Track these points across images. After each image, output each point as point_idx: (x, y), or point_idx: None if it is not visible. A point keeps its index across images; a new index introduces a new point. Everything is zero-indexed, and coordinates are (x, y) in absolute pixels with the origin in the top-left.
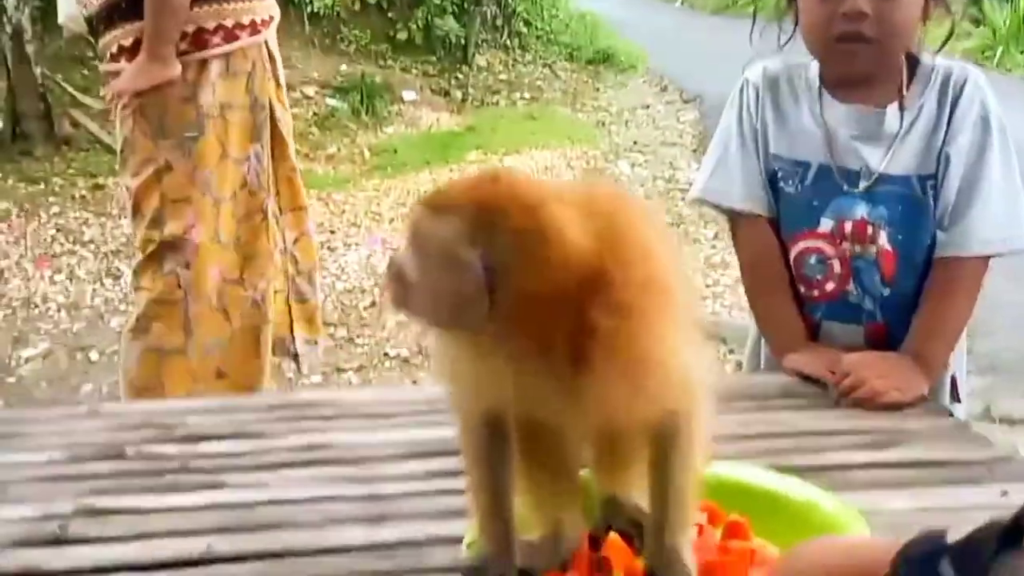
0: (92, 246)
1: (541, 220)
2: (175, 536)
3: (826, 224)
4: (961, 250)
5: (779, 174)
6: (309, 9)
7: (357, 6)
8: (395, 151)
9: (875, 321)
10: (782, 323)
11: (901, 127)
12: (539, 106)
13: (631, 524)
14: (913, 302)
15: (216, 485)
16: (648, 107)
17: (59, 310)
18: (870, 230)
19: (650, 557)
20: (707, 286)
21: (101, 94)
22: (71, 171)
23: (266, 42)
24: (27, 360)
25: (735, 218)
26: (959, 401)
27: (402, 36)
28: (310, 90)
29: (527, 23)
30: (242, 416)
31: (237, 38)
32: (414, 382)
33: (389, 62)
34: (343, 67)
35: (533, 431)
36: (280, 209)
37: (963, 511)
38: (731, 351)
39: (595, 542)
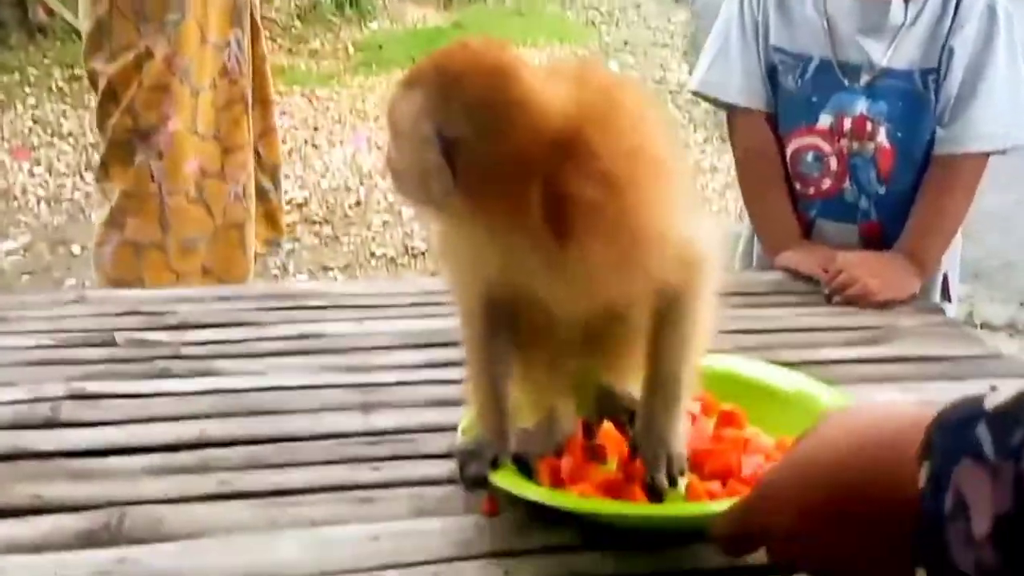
0: (71, 139)
1: (500, 87)
2: (168, 421)
3: (825, 120)
4: (960, 146)
5: (779, 68)
6: None
7: None
8: (380, 47)
9: (869, 220)
10: (776, 220)
11: (906, 19)
12: (528, 3)
13: (625, 413)
14: (908, 201)
15: (208, 372)
16: (639, 6)
17: (39, 203)
18: (869, 126)
19: (637, 439)
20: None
21: None
22: (47, 60)
23: None
24: (7, 253)
25: (732, 112)
26: (949, 300)
27: None
28: None
29: None
30: (233, 305)
31: None
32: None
33: None
34: None
35: (528, 315)
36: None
37: None
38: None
39: (589, 430)
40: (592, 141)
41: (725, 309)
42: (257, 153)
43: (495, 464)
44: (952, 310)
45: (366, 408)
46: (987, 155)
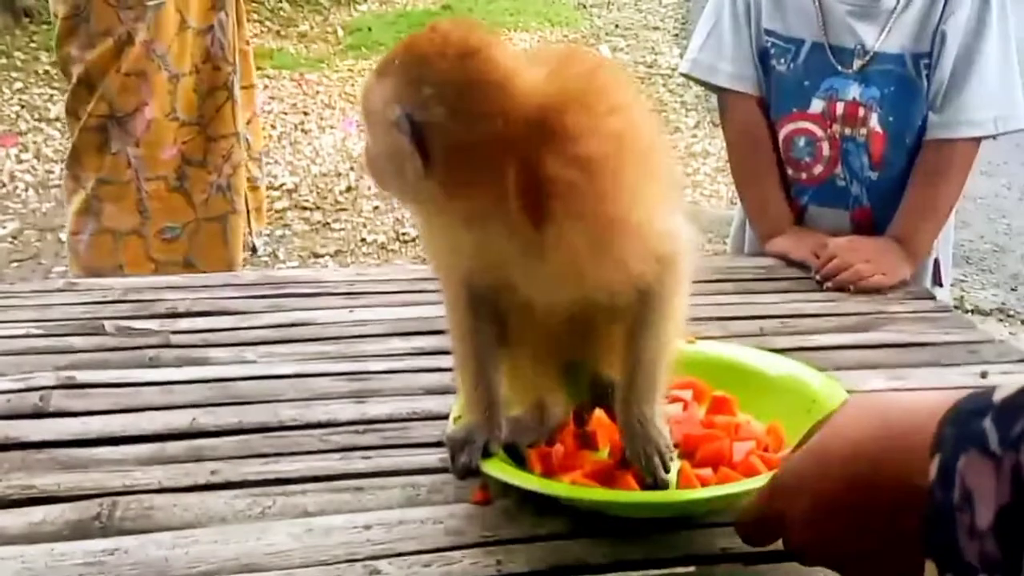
0: (59, 124)
1: (470, 68)
2: (159, 410)
3: (817, 105)
4: (952, 131)
5: (771, 51)
6: None
7: None
8: (369, 29)
9: (861, 206)
10: (768, 206)
11: (898, 3)
12: None
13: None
14: (900, 187)
15: (199, 361)
16: None
17: (27, 189)
18: (861, 112)
19: (623, 426)
20: (687, 175)
21: None
22: (33, 44)
23: None
24: None
25: (723, 95)
26: (941, 285)
27: None
28: None
29: None
30: (221, 293)
31: None
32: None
33: None
34: None
35: (509, 304)
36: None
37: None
38: (710, 240)
39: (580, 418)
40: (569, 124)
41: (717, 296)
42: (245, 141)
43: (486, 452)
44: (944, 295)
45: (357, 396)
46: (978, 140)
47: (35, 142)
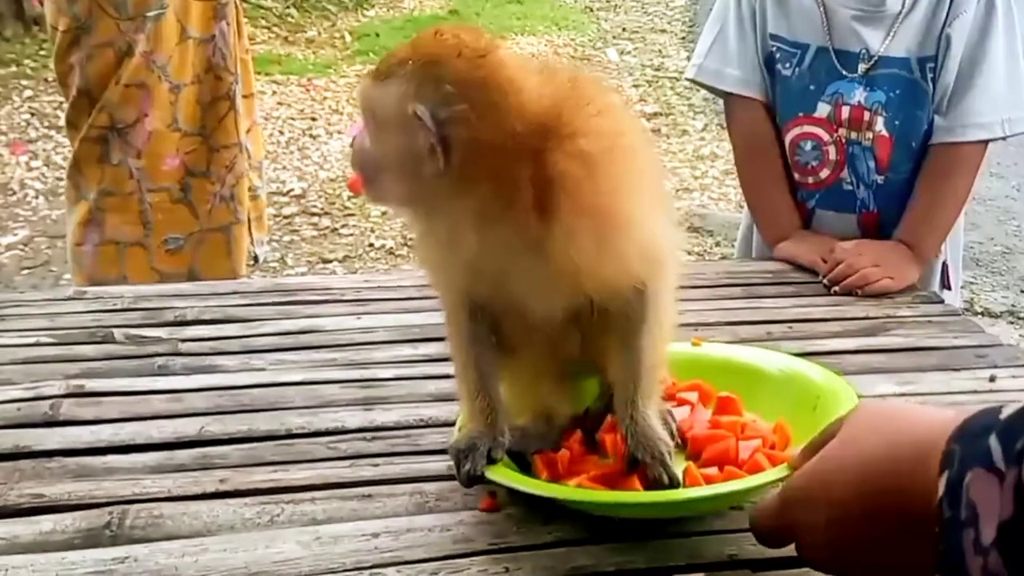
0: None
1: (487, 67)
2: (168, 418)
3: (823, 109)
4: (958, 135)
5: (776, 56)
6: None
7: None
8: (377, 35)
9: (868, 210)
10: (775, 210)
11: (903, 6)
12: None
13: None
14: (907, 191)
15: (207, 369)
16: None
17: (37, 196)
18: (867, 116)
19: (624, 427)
20: (695, 177)
21: None
22: (43, 53)
23: None
24: (6, 248)
25: (730, 100)
26: (949, 288)
27: None
28: None
29: None
30: (230, 301)
31: None
32: (399, 272)
33: None
34: None
35: (508, 313)
36: None
37: (953, 396)
38: (718, 243)
39: (590, 424)
40: (571, 122)
41: (725, 300)
42: (246, 150)
43: (490, 460)
44: (953, 298)
45: (365, 404)
46: (985, 143)
47: (45, 150)
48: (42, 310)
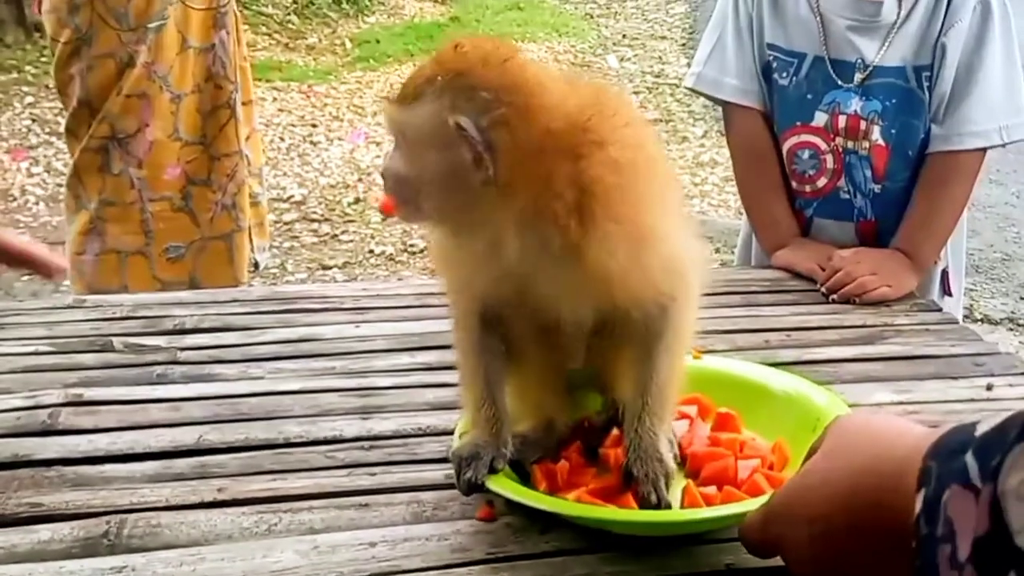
0: None
1: (514, 70)
2: (166, 427)
3: (820, 118)
4: (955, 143)
5: (774, 65)
6: None
7: None
8: (378, 42)
9: (866, 218)
10: (773, 218)
11: (899, 16)
12: None
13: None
14: (904, 199)
15: (205, 377)
16: None
17: (38, 203)
18: (863, 125)
19: (629, 443)
20: (695, 184)
21: None
22: (44, 59)
23: None
24: None
25: (728, 108)
26: (951, 295)
27: None
28: None
29: None
30: (229, 309)
31: None
32: (399, 279)
33: None
34: None
35: (526, 320)
36: None
37: (950, 404)
38: (718, 250)
39: (592, 436)
40: (599, 130)
41: (723, 308)
42: (245, 157)
43: (492, 469)
44: (953, 305)
45: (363, 412)
46: (983, 151)
47: (46, 156)
48: (41, 318)
